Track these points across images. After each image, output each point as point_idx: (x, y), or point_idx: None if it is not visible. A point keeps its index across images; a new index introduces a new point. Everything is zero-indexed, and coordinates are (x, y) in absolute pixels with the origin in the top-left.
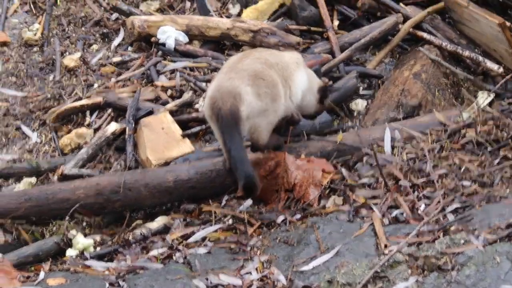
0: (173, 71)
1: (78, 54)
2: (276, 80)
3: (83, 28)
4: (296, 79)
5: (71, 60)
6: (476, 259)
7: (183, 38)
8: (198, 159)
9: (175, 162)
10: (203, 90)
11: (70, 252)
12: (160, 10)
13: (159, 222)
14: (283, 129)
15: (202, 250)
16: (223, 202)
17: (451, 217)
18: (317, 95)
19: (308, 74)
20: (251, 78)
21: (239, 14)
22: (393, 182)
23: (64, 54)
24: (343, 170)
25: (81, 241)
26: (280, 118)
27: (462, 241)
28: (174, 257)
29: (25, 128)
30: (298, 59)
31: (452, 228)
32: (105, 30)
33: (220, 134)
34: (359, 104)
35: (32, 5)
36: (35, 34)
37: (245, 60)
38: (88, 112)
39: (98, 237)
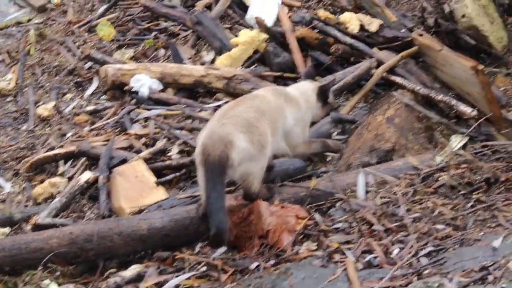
0: (147, 119)
1: (51, 104)
2: (266, 129)
3: (56, 77)
4: (281, 127)
5: (44, 109)
6: None
7: (157, 86)
8: (172, 206)
9: (148, 210)
10: (177, 138)
11: None
12: (134, 59)
13: (132, 270)
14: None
15: None
16: (197, 249)
17: (424, 261)
18: (318, 101)
19: (291, 109)
20: (245, 125)
21: (212, 61)
22: (366, 227)
23: (38, 104)
24: (317, 216)
25: None
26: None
27: (436, 285)
28: None
29: None
30: (281, 100)
31: (426, 271)
32: (78, 79)
33: (204, 179)
34: None
35: (5, 55)
36: (8, 84)
37: (237, 107)
38: (61, 162)
39: (71, 286)
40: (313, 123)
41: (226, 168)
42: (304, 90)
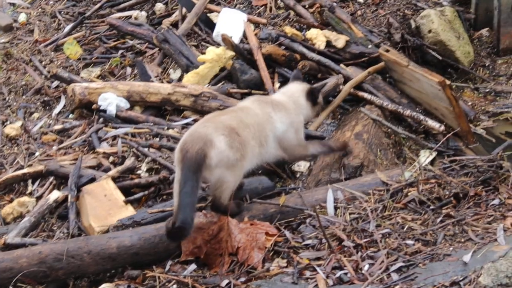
0: (114, 138)
1: (19, 123)
2: (248, 141)
3: (24, 97)
4: (271, 136)
5: (12, 129)
6: None
7: (124, 104)
8: (143, 219)
9: (120, 221)
10: (145, 156)
11: None
12: (101, 77)
13: None
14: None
15: None
16: (167, 267)
17: (395, 276)
18: (308, 101)
19: (280, 116)
20: (227, 129)
21: (180, 79)
22: (336, 243)
23: (5, 123)
24: (287, 232)
25: None
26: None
27: None
28: None
29: None
30: (268, 109)
31: (397, 287)
32: (46, 98)
33: (180, 176)
34: (301, 166)
35: None
36: None
37: (221, 116)
38: (30, 181)
39: None
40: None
41: (202, 166)
42: (291, 93)
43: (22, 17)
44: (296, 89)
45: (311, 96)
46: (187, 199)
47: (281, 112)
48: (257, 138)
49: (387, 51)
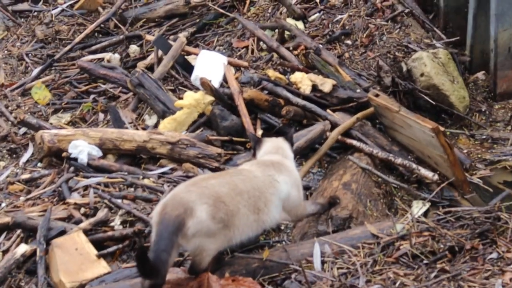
0: (86, 188)
1: None
2: (237, 210)
3: None
4: (275, 200)
5: None
6: None
7: (97, 152)
8: (115, 280)
9: (91, 285)
10: (119, 207)
11: None
12: (72, 123)
13: None
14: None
15: None
16: None
17: None
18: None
19: (284, 177)
20: (212, 198)
21: (156, 126)
22: None
23: None
24: None
25: None
26: (228, 244)
27: None
28: None
29: None
30: (270, 172)
31: None
32: (12, 146)
33: (155, 238)
34: None
35: None
36: None
37: (211, 180)
38: None
39: None
40: None
41: (179, 232)
42: (282, 150)
43: None
44: (280, 144)
45: (291, 144)
46: (162, 255)
47: (284, 172)
48: (251, 205)
49: (377, 95)
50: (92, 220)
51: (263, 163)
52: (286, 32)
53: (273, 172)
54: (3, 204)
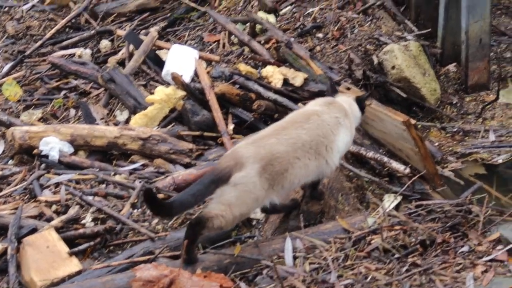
0: (57, 185)
1: None
2: (286, 169)
3: None
4: (337, 142)
5: None
6: None
7: (68, 148)
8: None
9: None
10: (90, 205)
11: None
12: (43, 120)
13: None
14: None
15: None
16: None
17: None
18: (358, 108)
19: (347, 122)
20: (264, 159)
21: (127, 121)
22: None
23: None
24: (242, 285)
25: None
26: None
27: None
28: None
29: None
30: (339, 115)
31: None
32: None
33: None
34: (257, 213)
35: None
36: None
37: (271, 138)
38: None
39: None
40: None
41: (221, 183)
42: (349, 102)
43: None
44: (349, 99)
45: (362, 103)
46: (186, 198)
47: (348, 119)
48: (312, 154)
49: (348, 89)
50: (63, 217)
51: (335, 105)
52: (258, 26)
53: (341, 118)
54: None
